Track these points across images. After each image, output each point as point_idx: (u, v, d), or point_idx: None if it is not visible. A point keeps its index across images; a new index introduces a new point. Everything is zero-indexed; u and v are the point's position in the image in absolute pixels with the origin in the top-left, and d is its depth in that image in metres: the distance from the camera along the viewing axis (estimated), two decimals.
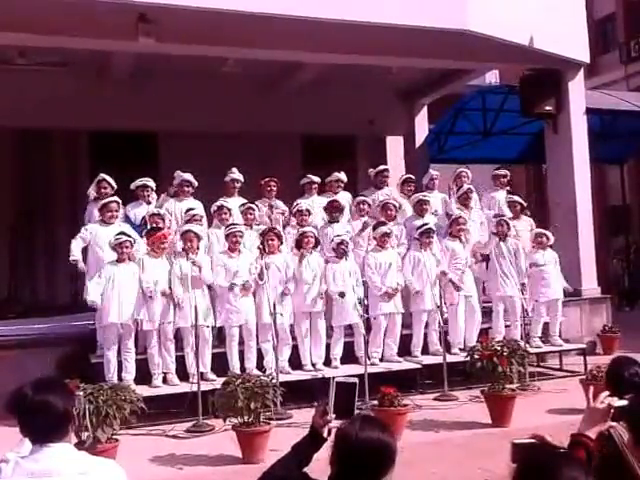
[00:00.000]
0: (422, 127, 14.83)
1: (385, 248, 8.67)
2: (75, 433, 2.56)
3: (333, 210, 9.13)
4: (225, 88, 11.72)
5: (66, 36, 8.59)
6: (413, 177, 10.34)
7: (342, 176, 9.75)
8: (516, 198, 9.95)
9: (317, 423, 2.60)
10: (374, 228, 8.78)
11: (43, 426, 2.33)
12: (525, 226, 9.81)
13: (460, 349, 8.78)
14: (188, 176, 8.84)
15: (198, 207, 8.67)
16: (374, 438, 2.24)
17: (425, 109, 14.87)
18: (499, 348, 7.08)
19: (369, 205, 9.32)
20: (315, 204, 9.36)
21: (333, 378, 2.67)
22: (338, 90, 12.43)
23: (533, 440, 2.24)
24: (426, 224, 8.93)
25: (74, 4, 7.65)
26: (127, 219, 8.61)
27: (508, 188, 10.44)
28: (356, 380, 2.66)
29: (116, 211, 8.28)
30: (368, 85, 12.66)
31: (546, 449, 2.17)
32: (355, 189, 10.68)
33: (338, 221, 9.12)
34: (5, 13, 7.75)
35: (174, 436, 6.80)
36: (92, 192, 8.69)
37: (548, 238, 9.53)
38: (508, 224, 9.29)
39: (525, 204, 10.16)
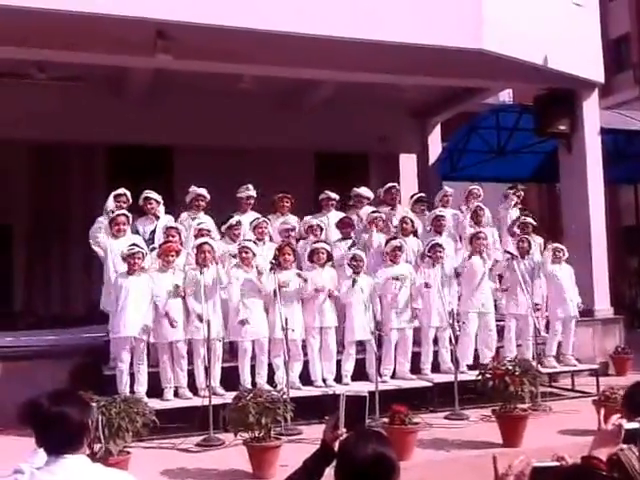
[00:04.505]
0: (435, 145, 14.86)
1: (397, 262, 8.69)
2: (88, 445, 2.57)
3: (344, 227, 9.17)
4: (240, 105, 11.81)
5: (85, 52, 8.71)
6: (425, 196, 10.37)
7: (362, 191, 9.77)
8: (529, 220, 9.95)
9: (328, 437, 2.61)
10: (385, 243, 8.82)
11: (59, 438, 2.33)
12: (535, 246, 9.79)
13: (468, 366, 8.74)
14: (202, 191, 8.92)
15: (208, 221, 8.73)
16: (370, 451, 2.25)
17: (438, 127, 14.90)
18: (511, 367, 7.06)
19: (383, 221, 9.35)
20: (331, 220, 9.42)
21: (343, 393, 2.68)
22: (352, 108, 12.49)
23: (556, 463, 2.22)
24: (433, 239, 8.97)
25: (93, 20, 7.77)
26: (137, 233, 8.67)
27: (520, 206, 10.44)
28: (366, 393, 2.66)
29: (124, 224, 8.28)
30: (382, 103, 12.72)
31: (577, 470, 2.14)
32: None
33: (350, 237, 9.16)
34: (25, 29, 7.89)
35: (185, 450, 6.81)
36: (110, 206, 8.73)
37: (564, 253, 9.56)
38: (529, 242, 9.34)
39: (536, 224, 10.15)
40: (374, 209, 9.50)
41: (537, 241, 9.89)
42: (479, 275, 8.98)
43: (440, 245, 8.82)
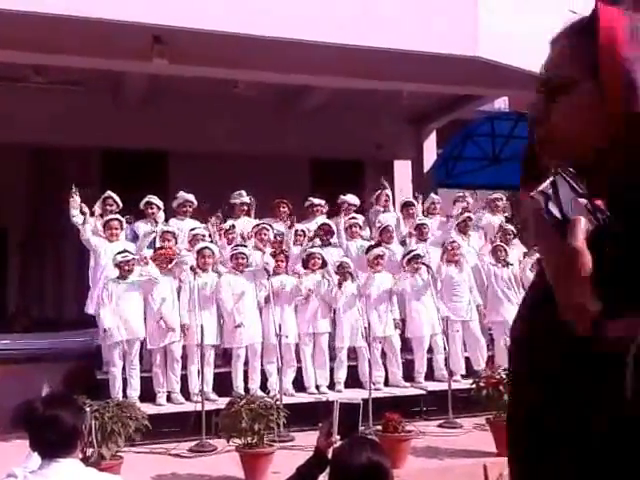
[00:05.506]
0: (430, 152, 14.88)
1: (379, 270, 8.69)
2: (80, 449, 2.57)
3: (324, 233, 9.19)
4: (235, 110, 11.81)
5: (81, 56, 8.72)
6: (412, 201, 10.38)
7: (348, 198, 9.80)
8: (510, 227, 9.94)
9: (322, 444, 2.62)
10: (367, 250, 8.83)
11: (52, 441, 2.35)
12: (515, 254, 9.76)
13: (462, 376, 8.73)
14: (190, 196, 8.92)
15: (200, 227, 8.74)
16: (364, 459, 2.27)
17: (434, 134, 14.93)
18: (505, 376, 7.06)
19: (360, 227, 9.39)
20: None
21: (337, 400, 2.69)
22: (347, 114, 12.51)
23: None
24: (413, 250, 8.99)
25: (90, 25, 7.77)
26: (135, 236, 8.68)
27: (506, 214, 10.41)
28: (360, 401, 2.68)
29: (116, 229, 8.34)
30: (377, 110, 12.74)
31: None
32: (363, 213, 10.74)
33: (330, 244, 9.16)
34: (22, 32, 7.88)
35: (177, 455, 6.79)
36: (98, 209, 8.75)
37: None
38: (506, 250, 9.33)
39: (516, 232, 10.11)
40: (353, 215, 9.54)
41: (515, 251, 9.84)
42: (456, 284, 8.99)
43: (421, 256, 8.84)
